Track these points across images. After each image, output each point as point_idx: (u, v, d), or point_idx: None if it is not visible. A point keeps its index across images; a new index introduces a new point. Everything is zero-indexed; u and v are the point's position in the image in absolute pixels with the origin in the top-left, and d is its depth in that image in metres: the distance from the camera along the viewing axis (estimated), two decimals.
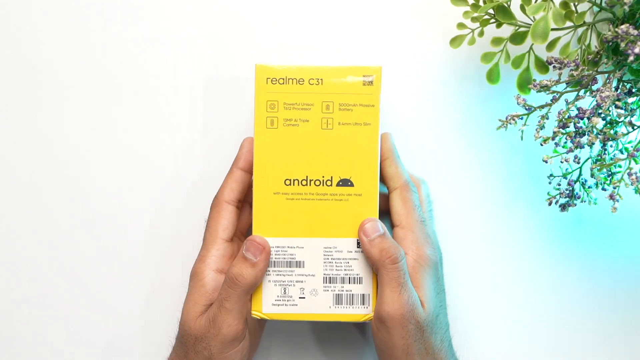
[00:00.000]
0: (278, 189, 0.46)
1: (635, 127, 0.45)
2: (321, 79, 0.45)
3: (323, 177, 0.46)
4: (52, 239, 0.54)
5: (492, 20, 0.48)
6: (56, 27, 0.55)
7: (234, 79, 0.54)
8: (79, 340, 0.54)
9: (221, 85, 0.54)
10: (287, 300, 0.46)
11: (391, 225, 0.47)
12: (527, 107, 0.46)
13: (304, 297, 0.46)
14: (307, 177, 0.46)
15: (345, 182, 0.46)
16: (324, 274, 0.46)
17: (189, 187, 0.54)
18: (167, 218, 0.54)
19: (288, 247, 0.46)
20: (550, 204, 0.50)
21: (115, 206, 0.54)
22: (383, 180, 0.48)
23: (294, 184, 0.46)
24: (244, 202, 0.49)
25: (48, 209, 0.54)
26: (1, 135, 0.55)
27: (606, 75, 0.45)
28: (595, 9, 0.47)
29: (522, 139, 0.48)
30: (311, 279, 0.46)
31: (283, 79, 0.45)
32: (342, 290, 0.46)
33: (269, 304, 0.46)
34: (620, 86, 0.46)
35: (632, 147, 0.46)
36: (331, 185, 0.46)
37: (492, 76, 0.50)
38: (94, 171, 0.54)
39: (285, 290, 0.46)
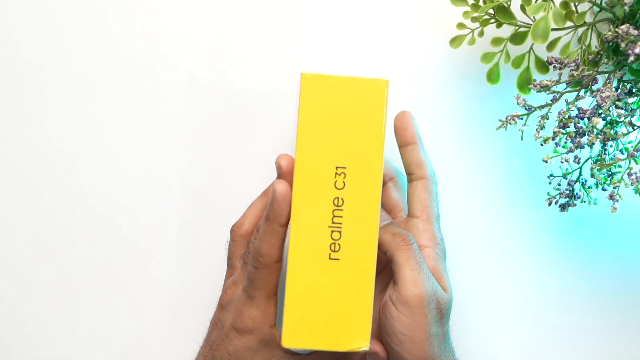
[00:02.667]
0: None
1: (635, 127, 0.45)
2: None
3: None
4: (51, 238, 0.54)
5: (492, 20, 0.48)
6: (56, 27, 0.54)
7: (237, 79, 0.54)
8: (78, 340, 0.54)
9: (225, 85, 0.54)
10: None
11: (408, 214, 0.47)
12: (527, 107, 0.46)
13: None
14: None
15: None
16: None
17: (193, 187, 0.54)
18: (170, 219, 0.54)
19: None
20: (550, 204, 0.50)
21: (115, 205, 0.54)
22: (406, 165, 0.47)
23: None
24: None
25: (48, 209, 0.54)
26: (1, 135, 0.55)
27: (606, 75, 0.45)
28: (596, 9, 0.47)
29: (522, 139, 0.48)
30: None
31: None
32: None
33: None
34: (620, 86, 0.46)
35: (632, 147, 0.46)
36: None
37: (492, 76, 0.50)
38: (94, 171, 0.54)
39: None
